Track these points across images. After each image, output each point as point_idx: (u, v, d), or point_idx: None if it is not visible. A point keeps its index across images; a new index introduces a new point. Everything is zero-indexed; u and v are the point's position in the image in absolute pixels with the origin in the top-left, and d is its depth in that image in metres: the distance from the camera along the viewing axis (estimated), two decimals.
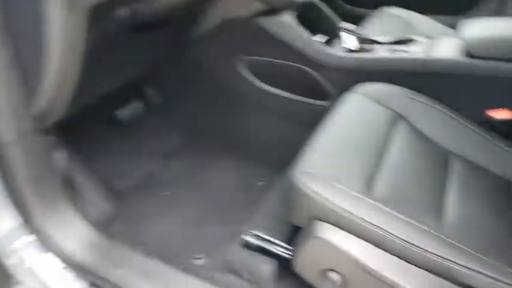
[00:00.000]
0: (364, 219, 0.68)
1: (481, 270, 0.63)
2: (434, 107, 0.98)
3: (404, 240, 0.66)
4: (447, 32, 1.47)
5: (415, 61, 1.05)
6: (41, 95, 0.76)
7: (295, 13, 1.18)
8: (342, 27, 1.11)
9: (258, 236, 0.86)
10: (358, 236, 0.69)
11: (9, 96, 0.76)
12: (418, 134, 0.95)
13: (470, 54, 0.98)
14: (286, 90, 1.24)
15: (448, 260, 0.64)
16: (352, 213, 0.69)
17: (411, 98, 1.00)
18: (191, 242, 1.05)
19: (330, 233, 0.70)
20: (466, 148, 0.93)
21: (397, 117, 0.96)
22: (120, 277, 0.89)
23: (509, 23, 1.03)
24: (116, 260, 0.93)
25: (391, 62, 1.07)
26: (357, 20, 1.53)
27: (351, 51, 1.12)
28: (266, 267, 0.84)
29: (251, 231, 0.87)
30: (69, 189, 0.99)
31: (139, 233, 1.07)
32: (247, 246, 0.86)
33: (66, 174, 0.97)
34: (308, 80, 1.18)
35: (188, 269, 0.92)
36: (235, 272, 0.87)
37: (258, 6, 1.12)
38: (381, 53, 1.10)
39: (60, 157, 0.95)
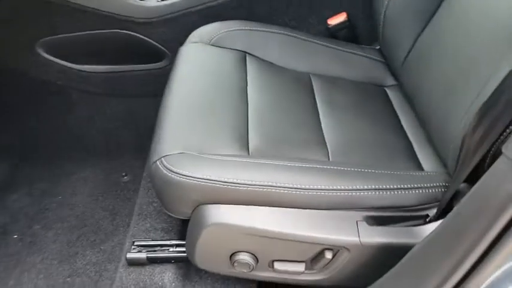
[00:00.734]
0: (247, 183, 0.59)
1: (377, 186, 0.60)
2: (276, 32, 0.91)
3: (292, 187, 0.59)
4: None
5: None
6: None
7: None
8: None
9: (142, 246, 0.72)
10: (248, 203, 0.59)
11: None
12: (272, 67, 0.87)
13: None
14: (111, 63, 1.04)
15: (343, 190, 0.59)
16: (232, 182, 0.59)
17: (250, 29, 0.91)
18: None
19: (217, 214, 0.59)
20: (321, 65, 0.89)
21: (244, 57, 0.86)
22: None
23: None
24: None
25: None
26: None
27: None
28: (165, 278, 0.71)
29: (133, 244, 0.72)
30: None
31: None
32: (134, 263, 0.71)
33: None
34: (131, 44, 0.99)
35: None
36: None
37: None
38: None
39: None
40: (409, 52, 0.82)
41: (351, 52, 0.93)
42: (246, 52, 0.88)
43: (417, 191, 0.60)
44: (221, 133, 0.67)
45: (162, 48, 1.00)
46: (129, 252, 0.72)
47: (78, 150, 1.14)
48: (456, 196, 0.51)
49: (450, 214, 0.42)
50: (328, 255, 0.58)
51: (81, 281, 0.84)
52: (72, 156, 1.13)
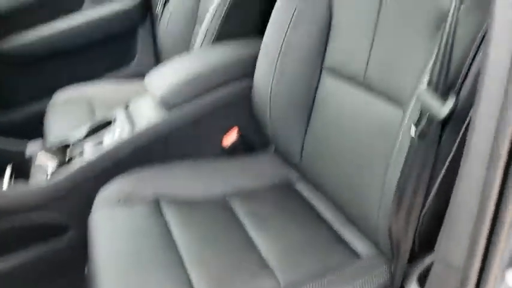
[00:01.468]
0: None
1: None
2: (178, 170, 0.94)
3: None
4: (129, 87, 1.48)
5: (127, 142, 0.95)
6: None
7: None
8: (31, 154, 0.89)
9: None
10: None
11: None
12: (188, 204, 0.87)
13: (170, 105, 0.97)
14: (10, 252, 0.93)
15: None
16: None
17: (153, 176, 0.92)
18: None
19: None
20: (232, 184, 0.93)
21: (157, 204, 0.86)
22: None
23: (186, 61, 1.08)
24: None
25: (104, 157, 0.94)
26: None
27: (53, 173, 0.92)
28: None
29: None
30: None
31: None
32: None
33: None
34: (30, 231, 0.92)
35: None
36: None
37: None
38: (88, 153, 0.95)
39: None
40: (302, 147, 0.92)
41: (252, 163, 0.99)
42: (158, 199, 0.87)
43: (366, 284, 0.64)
44: None
45: (63, 223, 0.95)
46: None
47: None
48: (405, 280, 0.57)
49: None
50: None
51: None
52: None
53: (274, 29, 0.91)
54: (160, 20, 1.58)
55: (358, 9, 0.78)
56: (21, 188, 0.91)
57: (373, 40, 0.74)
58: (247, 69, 0.98)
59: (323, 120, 0.86)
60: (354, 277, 0.66)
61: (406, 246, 0.54)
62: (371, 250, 0.73)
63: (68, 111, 1.35)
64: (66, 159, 0.95)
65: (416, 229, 0.53)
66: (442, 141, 0.51)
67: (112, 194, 0.87)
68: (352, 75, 0.79)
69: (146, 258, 0.72)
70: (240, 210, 0.87)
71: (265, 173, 0.98)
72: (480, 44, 0.50)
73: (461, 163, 0.43)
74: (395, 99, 0.68)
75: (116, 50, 1.66)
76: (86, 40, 1.59)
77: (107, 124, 1.05)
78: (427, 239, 0.54)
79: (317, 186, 0.90)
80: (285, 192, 0.95)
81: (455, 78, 0.50)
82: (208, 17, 1.14)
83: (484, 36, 0.49)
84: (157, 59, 1.73)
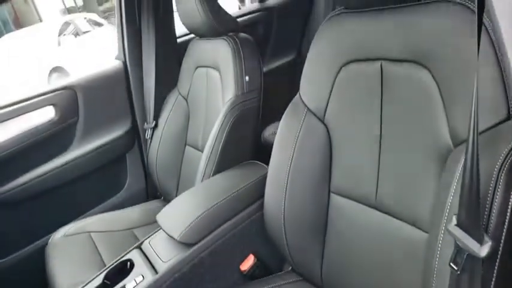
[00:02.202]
0: None
1: None
2: None
3: None
4: (126, 215, 1.51)
5: (153, 285, 0.97)
6: None
7: None
8: None
9: None
10: None
11: None
12: None
13: (188, 244, 1.01)
14: None
15: None
16: None
17: None
18: None
19: None
20: None
21: None
22: None
23: (195, 197, 1.13)
24: None
25: None
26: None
27: None
28: None
29: None
30: None
31: None
32: None
33: None
34: None
35: None
36: None
37: None
38: None
39: None
40: (321, 264, 0.97)
41: (272, 284, 1.03)
42: None
43: None
44: None
45: None
46: None
47: None
48: None
49: None
50: None
51: None
52: None
53: (279, 157, 1.00)
54: (150, 145, 1.67)
55: (356, 135, 0.87)
56: None
57: (379, 164, 0.83)
58: (256, 194, 1.07)
59: (339, 241, 0.93)
60: None
61: None
62: None
63: (69, 253, 1.34)
64: None
65: None
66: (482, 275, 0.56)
67: None
68: (362, 197, 0.87)
69: None
70: None
71: None
72: (498, 175, 0.55)
73: None
74: (412, 221, 0.77)
75: (106, 180, 1.71)
76: (78, 174, 1.63)
77: (123, 266, 1.06)
78: None
79: None
80: None
81: (483, 212, 0.55)
82: (208, 147, 1.24)
83: (501, 167, 0.54)
84: (147, 183, 1.80)
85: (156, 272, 0.98)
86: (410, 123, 0.75)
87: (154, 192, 1.81)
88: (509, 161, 0.55)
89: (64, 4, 12.70)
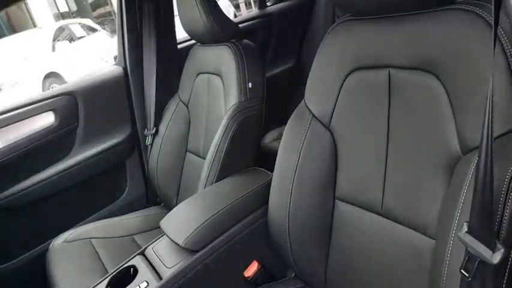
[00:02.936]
0: None
1: None
2: None
3: None
4: (126, 221, 1.51)
5: None
6: None
7: None
8: None
9: None
10: None
11: None
12: None
13: (193, 251, 1.01)
14: None
15: None
16: None
17: None
18: None
19: None
20: None
21: None
22: None
23: (199, 204, 1.14)
24: None
25: None
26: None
27: None
28: None
29: None
30: None
31: None
32: None
33: None
34: None
35: None
36: None
37: None
38: None
39: None
40: (325, 271, 0.97)
41: None
42: None
43: None
44: None
45: None
46: None
47: None
48: None
49: None
50: None
51: None
52: None
53: (284, 164, 1.01)
54: (150, 151, 1.67)
55: (362, 142, 0.87)
56: None
57: (385, 171, 0.83)
58: (260, 200, 1.07)
59: (343, 248, 0.93)
60: None
61: None
62: None
63: (70, 259, 1.33)
64: None
65: None
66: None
67: None
68: (368, 203, 0.88)
69: None
70: None
71: None
72: (510, 182, 0.55)
73: None
74: (419, 228, 0.77)
75: (106, 186, 1.70)
76: (78, 180, 1.62)
77: (126, 272, 1.06)
78: None
79: None
80: None
81: (495, 219, 0.55)
82: (210, 153, 1.25)
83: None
84: (147, 189, 1.79)
85: (160, 278, 0.97)
86: (419, 131, 0.76)
87: (154, 199, 1.80)
88: None
89: (58, 9, 12.67)
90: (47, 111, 1.53)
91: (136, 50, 1.66)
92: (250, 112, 1.26)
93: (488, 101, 0.51)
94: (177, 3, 1.40)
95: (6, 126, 1.43)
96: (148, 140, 1.67)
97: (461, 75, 0.68)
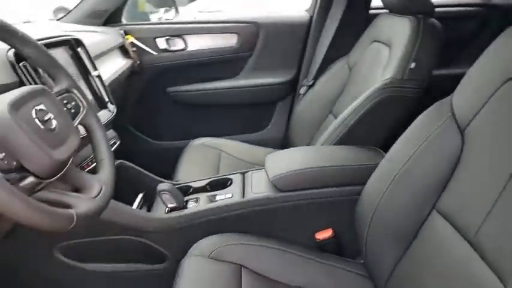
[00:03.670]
0: None
1: None
2: (268, 246, 1.01)
3: None
4: (254, 151, 1.66)
5: (234, 205, 1.07)
6: None
7: None
8: (160, 190, 1.07)
9: None
10: None
11: None
12: (265, 280, 0.94)
13: (280, 189, 1.07)
14: (120, 262, 1.11)
15: None
16: None
17: (246, 243, 1.01)
18: None
19: None
20: (311, 279, 0.96)
21: (239, 270, 0.94)
22: None
23: (306, 153, 1.18)
24: None
25: (214, 211, 1.07)
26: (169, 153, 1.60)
27: (171, 210, 1.08)
28: None
29: None
30: None
31: None
32: None
33: None
34: (139, 248, 1.08)
35: None
36: None
37: None
38: (202, 204, 1.10)
39: None
40: (391, 274, 0.91)
41: (338, 267, 1.01)
42: (241, 265, 0.96)
43: None
44: None
45: (166, 252, 1.09)
46: None
47: None
48: None
49: None
50: None
51: None
52: None
53: (399, 151, 0.94)
54: (301, 100, 1.74)
55: (487, 157, 0.76)
56: (143, 213, 1.09)
57: (497, 199, 0.70)
58: (362, 179, 1.03)
59: (419, 261, 0.84)
60: None
61: None
62: None
63: (198, 158, 1.56)
64: (184, 202, 1.11)
65: None
66: None
67: (207, 247, 0.98)
68: (462, 226, 0.76)
69: None
70: None
71: (346, 281, 0.99)
72: None
73: None
74: (499, 271, 0.65)
75: (254, 116, 1.87)
76: (235, 101, 1.84)
77: (224, 182, 1.20)
78: None
79: None
80: None
81: None
82: (342, 116, 1.24)
83: None
84: (286, 134, 1.90)
85: (243, 197, 1.07)
86: None
87: (287, 145, 1.91)
88: None
89: None
90: (232, 33, 1.74)
91: (327, 3, 1.70)
92: (399, 92, 1.17)
93: None
94: None
95: (195, 34, 1.70)
96: (303, 90, 1.74)
97: None
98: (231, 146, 1.68)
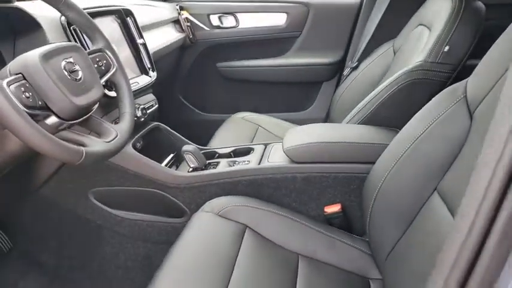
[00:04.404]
0: None
1: None
2: (276, 213, 1.07)
3: None
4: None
5: (248, 171, 1.14)
6: None
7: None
8: (184, 151, 1.18)
9: None
10: None
11: None
12: (266, 243, 1.00)
13: (293, 160, 1.11)
14: (143, 212, 1.24)
15: None
16: None
17: (255, 207, 1.07)
18: None
19: None
20: (311, 248, 1.00)
21: (244, 230, 1.01)
22: None
23: (323, 129, 1.21)
24: None
25: (230, 174, 1.15)
26: (213, 125, 1.70)
27: (193, 170, 1.19)
28: None
29: None
30: None
31: None
32: None
33: None
34: (162, 201, 1.20)
35: None
36: None
37: None
38: (221, 167, 1.19)
39: None
40: (391, 249, 0.92)
41: (341, 241, 1.03)
42: (246, 226, 1.03)
43: None
44: None
45: (185, 208, 1.20)
46: None
47: (100, 278, 1.30)
48: None
49: None
50: None
51: None
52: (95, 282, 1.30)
53: (407, 131, 0.93)
54: (344, 81, 1.74)
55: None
56: (168, 170, 1.20)
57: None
58: (371, 157, 1.04)
59: (416, 239, 0.84)
60: None
61: None
62: None
63: (235, 130, 1.65)
64: (205, 164, 1.21)
65: None
66: None
67: (217, 205, 1.07)
68: (456, 209, 0.75)
69: (207, 265, 0.88)
70: (303, 274, 0.94)
71: (349, 256, 1.01)
72: None
73: None
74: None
75: (299, 95, 1.91)
76: (281, 79, 1.88)
77: (247, 150, 1.27)
78: None
79: None
80: (356, 283, 0.96)
81: None
82: (368, 96, 1.23)
83: None
84: (329, 114, 1.90)
85: (259, 164, 1.14)
86: None
87: None
88: None
89: None
90: (282, 12, 1.78)
91: None
92: (428, 76, 1.14)
93: None
94: None
95: (246, 12, 1.77)
96: (346, 72, 1.73)
97: None
98: (270, 123, 1.74)
